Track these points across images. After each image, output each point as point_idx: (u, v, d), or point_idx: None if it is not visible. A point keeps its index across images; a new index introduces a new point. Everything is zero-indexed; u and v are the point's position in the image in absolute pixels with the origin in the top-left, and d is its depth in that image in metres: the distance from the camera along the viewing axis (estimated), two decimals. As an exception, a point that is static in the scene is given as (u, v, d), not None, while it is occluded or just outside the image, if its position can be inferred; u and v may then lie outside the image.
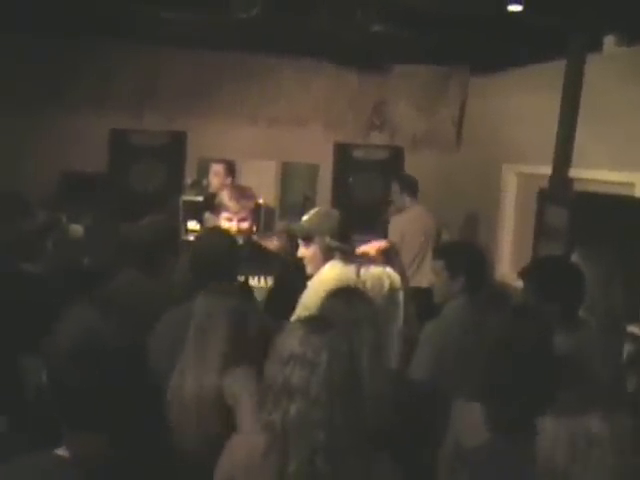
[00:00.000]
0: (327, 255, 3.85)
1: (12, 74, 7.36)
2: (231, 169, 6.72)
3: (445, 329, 3.55)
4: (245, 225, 4.30)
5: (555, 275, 3.48)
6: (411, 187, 6.96)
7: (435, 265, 3.79)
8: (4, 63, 7.28)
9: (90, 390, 1.66)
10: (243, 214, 4.28)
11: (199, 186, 7.42)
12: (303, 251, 3.91)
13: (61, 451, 1.70)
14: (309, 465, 1.98)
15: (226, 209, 4.26)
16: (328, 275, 3.81)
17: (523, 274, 3.52)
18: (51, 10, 6.05)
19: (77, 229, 5.19)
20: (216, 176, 6.53)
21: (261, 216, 7.97)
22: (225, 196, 4.33)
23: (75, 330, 1.71)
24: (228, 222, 4.27)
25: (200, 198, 6.74)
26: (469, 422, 2.53)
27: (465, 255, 3.77)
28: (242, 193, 4.44)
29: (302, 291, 3.73)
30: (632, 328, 4.64)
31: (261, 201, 8.06)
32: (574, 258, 3.86)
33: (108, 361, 1.68)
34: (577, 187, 6.09)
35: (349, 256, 3.84)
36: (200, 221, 5.95)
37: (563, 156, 6.06)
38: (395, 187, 7.00)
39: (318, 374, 2.00)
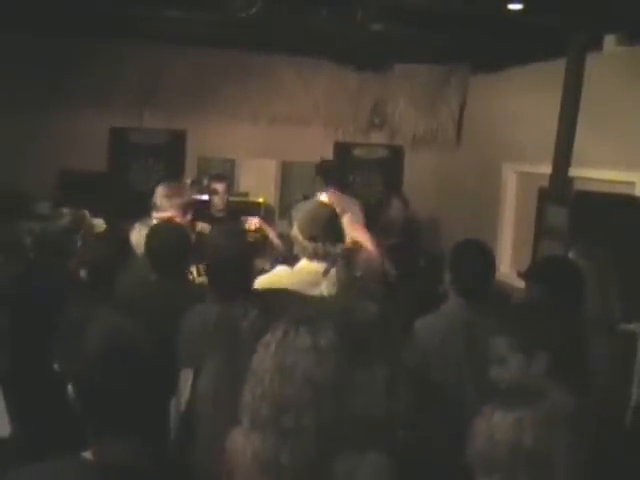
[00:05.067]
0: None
1: (12, 73, 7.36)
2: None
3: (432, 326, 3.54)
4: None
5: (561, 274, 3.49)
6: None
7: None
8: (4, 62, 7.28)
9: (120, 391, 1.67)
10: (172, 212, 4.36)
11: (199, 185, 7.42)
12: None
13: (87, 454, 1.70)
14: (303, 456, 1.99)
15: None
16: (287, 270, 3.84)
17: (528, 273, 3.51)
18: (51, 9, 6.04)
19: (100, 224, 5.21)
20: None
21: (261, 215, 8.00)
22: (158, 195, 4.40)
23: (103, 332, 1.72)
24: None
25: (205, 197, 6.78)
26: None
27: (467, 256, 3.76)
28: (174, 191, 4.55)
29: None
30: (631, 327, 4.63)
31: (261, 200, 8.10)
32: (570, 256, 3.87)
33: (137, 361, 1.70)
34: (577, 186, 6.09)
35: (318, 257, 3.77)
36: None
37: (563, 155, 6.06)
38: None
39: (309, 366, 2.01)
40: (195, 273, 4.31)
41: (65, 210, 4.68)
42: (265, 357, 2.11)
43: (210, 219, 5.96)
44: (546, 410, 1.91)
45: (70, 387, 1.71)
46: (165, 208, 4.39)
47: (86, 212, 4.88)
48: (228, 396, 2.70)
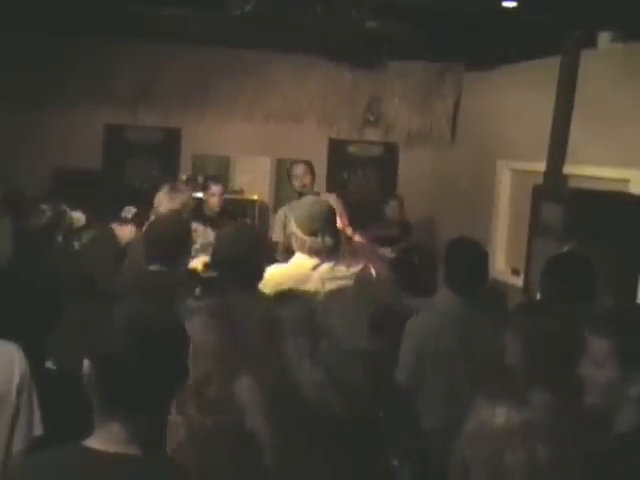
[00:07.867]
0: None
1: (7, 70, 7.35)
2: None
3: (427, 325, 3.57)
4: None
5: (573, 271, 3.52)
6: None
7: None
8: (-1, 59, 7.28)
9: (146, 371, 1.67)
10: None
11: (194, 182, 7.43)
12: None
13: (88, 442, 1.68)
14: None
15: None
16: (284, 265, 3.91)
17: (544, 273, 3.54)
18: (47, 7, 6.04)
19: (79, 217, 5.22)
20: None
21: (256, 212, 8.01)
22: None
23: (133, 313, 1.73)
24: None
25: (200, 195, 6.80)
26: None
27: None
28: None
29: None
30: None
31: (256, 197, 8.10)
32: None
33: (164, 341, 1.71)
34: (571, 183, 6.10)
35: (315, 251, 3.83)
36: None
37: (558, 152, 6.07)
38: None
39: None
40: (201, 267, 4.40)
41: (44, 206, 4.68)
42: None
43: (204, 219, 6.02)
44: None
45: (86, 366, 1.69)
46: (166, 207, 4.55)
47: (66, 207, 4.89)
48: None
